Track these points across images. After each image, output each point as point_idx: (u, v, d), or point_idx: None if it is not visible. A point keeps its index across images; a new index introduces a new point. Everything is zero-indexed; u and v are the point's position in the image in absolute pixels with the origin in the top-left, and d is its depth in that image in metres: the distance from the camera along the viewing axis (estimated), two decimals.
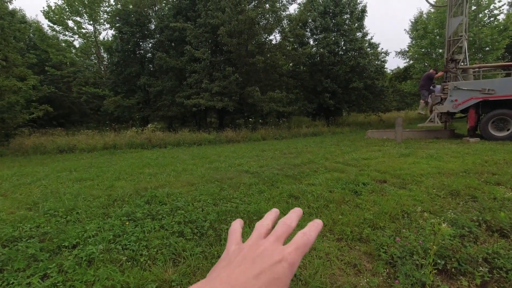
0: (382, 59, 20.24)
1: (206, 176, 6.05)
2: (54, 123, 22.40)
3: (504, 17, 18.17)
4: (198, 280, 0.92)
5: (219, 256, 2.59)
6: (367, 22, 63.72)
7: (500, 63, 14.50)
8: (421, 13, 20.90)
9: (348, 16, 18.50)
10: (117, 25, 20.43)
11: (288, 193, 4.47)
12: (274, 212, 0.53)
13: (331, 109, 19.16)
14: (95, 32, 23.61)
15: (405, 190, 4.48)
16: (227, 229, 3.28)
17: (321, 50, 18.53)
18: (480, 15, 17.20)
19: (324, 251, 2.77)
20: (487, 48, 17.46)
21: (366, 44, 19.37)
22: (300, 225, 2.33)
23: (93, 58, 25.12)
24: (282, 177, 5.61)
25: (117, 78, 21.10)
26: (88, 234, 3.20)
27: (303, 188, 4.70)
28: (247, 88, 16.83)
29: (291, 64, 21.07)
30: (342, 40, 18.01)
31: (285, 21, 18.13)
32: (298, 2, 22.11)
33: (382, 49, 20.35)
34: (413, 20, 22.00)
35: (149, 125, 16.34)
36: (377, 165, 6.31)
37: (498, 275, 2.31)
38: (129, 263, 2.67)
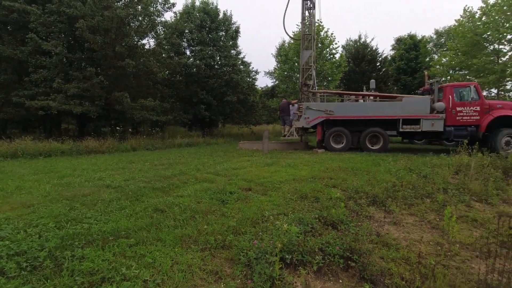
0: (253, 77, 22.45)
1: (51, 195, 4.95)
2: None
3: (339, 57, 23.57)
4: None
5: None
6: (241, 42, 69.51)
7: (337, 91, 18.52)
8: (284, 42, 24.49)
9: (223, 33, 19.68)
10: None
11: (154, 207, 4.17)
12: None
13: (206, 120, 19.64)
14: None
15: (266, 196, 4.95)
16: (73, 255, 2.73)
17: (198, 62, 18.91)
18: (324, 51, 21.66)
19: (187, 263, 2.68)
20: (329, 78, 22.14)
21: (239, 62, 21.05)
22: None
23: None
24: (149, 190, 5.22)
25: None
26: None
27: (171, 200, 4.50)
28: (115, 93, 15.12)
29: (167, 72, 20.44)
30: (218, 55, 18.97)
31: (159, 27, 17.50)
32: (174, 10, 21.90)
33: (253, 68, 22.51)
34: (278, 47, 25.51)
35: None
36: (245, 174, 6.77)
37: (329, 260, 2.81)
38: None
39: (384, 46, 38.93)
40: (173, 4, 17.43)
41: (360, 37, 30.25)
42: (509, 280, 3.22)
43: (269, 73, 26.02)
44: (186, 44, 20.07)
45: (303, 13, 13.54)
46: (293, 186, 5.61)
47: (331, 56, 22.36)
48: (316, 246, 2.96)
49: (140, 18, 16.45)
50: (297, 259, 2.76)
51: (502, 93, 18.59)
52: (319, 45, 20.84)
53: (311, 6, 13.37)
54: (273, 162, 8.91)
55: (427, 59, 26.53)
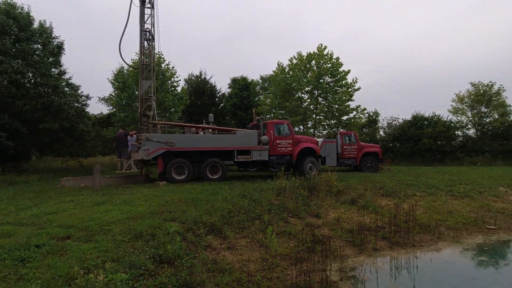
0: (83, 102, 19.42)
1: None
2: None
3: (180, 89, 24.33)
4: None
5: None
6: (68, 61, 59.85)
7: (178, 123, 18.79)
8: (123, 67, 22.83)
9: (39, 46, 16.18)
10: None
11: None
12: None
13: (10, 152, 14.92)
14: None
15: (91, 243, 4.17)
16: None
17: None
18: (166, 83, 21.78)
19: None
20: (172, 110, 22.25)
21: (64, 83, 17.78)
22: None
23: None
24: None
25: None
26: None
27: None
28: None
29: None
30: (31, 71, 15.22)
31: None
32: None
33: (83, 92, 19.45)
34: (115, 72, 23.40)
35: None
36: (64, 219, 5.50)
37: None
38: None
39: (222, 84, 43.62)
40: None
41: (201, 74, 32.65)
42: (309, 278, 4.03)
43: (105, 100, 23.32)
44: None
45: (141, 43, 13.22)
46: (126, 226, 5.01)
47: (173, 88, 22.74)
48: None
49: None
50: None
51: (305, 130, 24.46)
52: (160, 76, 20.81)
53: (150, 37, 13.30)
54: (105, 200, 7.76)
55: (256, 98, 31.63)
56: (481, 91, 25.54)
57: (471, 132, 26.28)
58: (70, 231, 4.66)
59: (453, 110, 27.20)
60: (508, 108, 25.03)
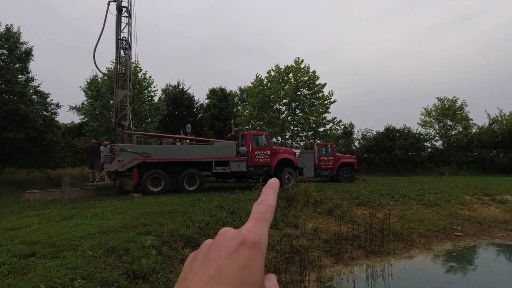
0: (53, 111, 18.50)
1: None
2: None
3: (157, 99, 23.92)
4: None
5: None
6: (36, 67, 57.20)
7: (155, 133, 18.38)
8: (97, 76, 22.12)
9: (5, 52, 15.32)
10: None
11: None
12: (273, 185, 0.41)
13: None
14: None
15: (58, 260, 3.91)
16: None
17: None
18: (142, 93, 21.33)
19: None
20: (148, 120, 21.76)
21: (31, 91, 16.87)
22: None
23: None
24: None
25: None
26: None
27: None
28: None
29: None
30: None
31: None
32: None
33: (52, 100, 18.53)
34: (88, 80, 22.60)
35: None
36: (27, 235, 5.13)
37: None
38: None
39: (200, 95, 43.18)
40: None
41: (179, 84, 32.31)
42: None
43: (76, 108, 22.36)
44: None
45: (117, 51, 12.93)
46: (98, 241, 4.76)
47: (150, 98, 22.32)
48: None
49: None
50: None
51: (283, 141, 24.75)
52: (137, 86, 20.39)
53: (127, 46, 13.06)
54: (74, 214, 7.35)
55: (235, 109, 31.67)
56: (446, 106, 27.23)
57: (439, 143, 27.82)
58: (34, 248, 4.34)
59: (422, 123, 28.71)
60: (470, 122, 26.87)
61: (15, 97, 15.51)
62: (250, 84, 25.45)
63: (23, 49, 16.59)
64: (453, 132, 27.23)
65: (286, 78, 23.08)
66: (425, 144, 26.85)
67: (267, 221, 0.35)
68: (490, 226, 8.98)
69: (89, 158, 12.51)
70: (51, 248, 4.39)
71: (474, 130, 26.41)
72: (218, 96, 31.95)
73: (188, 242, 5.10)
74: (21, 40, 16.50)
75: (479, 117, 45.81)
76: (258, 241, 0.33)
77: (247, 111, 25.23)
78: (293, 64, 22.97)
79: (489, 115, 26.44)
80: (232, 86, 65.31)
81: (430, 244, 7.49)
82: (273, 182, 0.42)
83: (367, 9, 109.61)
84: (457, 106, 27.09)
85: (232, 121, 19.10)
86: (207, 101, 33.32)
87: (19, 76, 16.43)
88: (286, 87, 22.67)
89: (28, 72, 17.26)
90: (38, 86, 17.97)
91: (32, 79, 17.49)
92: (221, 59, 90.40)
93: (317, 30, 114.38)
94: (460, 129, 26.85)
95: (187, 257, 0.39)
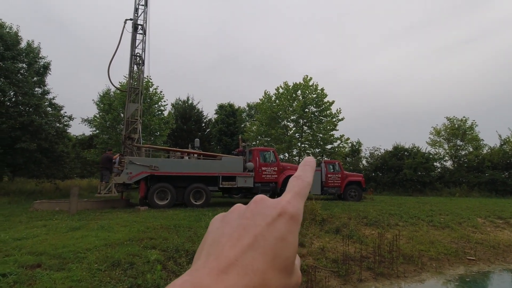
0: (65, 123, 18.96)
1: None
2: None
3: (167, 114, 24.33)
4: None
5: None
6: (52, 81, 59.16)
7: (163, 147, 18.56)
8: (109, 89, 22.70)
9: (24, 66, 15.96)
10: None
11: None
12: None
13: None
14: None
15: (63, 272, 3.91)
16: None
17: None
18: (152, 107, 21.76)
19: None
20: (157, 133, 22.05)
21: (47, 103, 17.39)
22: None
23: None
24: None
25: None
26: None
27: None
28: None
29: None
30: (13, 90, 14.81)
31: None
32: None
33: (66, 112, 19.05)
34: (101, 94, 23.19)
35: None
36: (34, 245, 5.15)
37: None
38: None
39: (209, 110, 43.94)
40: None
41: (188, 99, 32.89)
42: None
43: (88, 121, 22.85)
44: None
45: (131, 66, 13.34)
46: (103, 253, 4.75)
47: (160, 112, 22.71)
48: None
49: None
50: None
51: (290, 157, 24.67)
52: (148, 100, 20.82)
53: (141, 62, 13.47)
54: (81, 225, 7.37)
55: (242, 125, 31.91)
56: (456, 125, 26.92)
57: (449, 163, 27.31)
58: (41, 259, 4.35)
59: (431, 142, 28.34)
60: (481, 142, 26.39)
61: (30, 109, 15.99)
62: (259, 100, 25.73)
63: (42, 63, 17.25)
64: (463, 153, 26.74)
65: (294, 95, 23.29)
66: (435, 164, 26.39)
67: (304, 196, 0.35)
68: (505, 251, 8.65)
69: (100, 169, 12.69)
70: (57, 259, 4.39)
71: (485, 151, 25.89)
72: (227, 111, 32.33)
73: (193, 258, 5.03)
74: (40, 55, 17.18)
75: (489, 138, 45.06)
76: (296, 214, 0.31)
77: (254, 127, 25.37)
78: (302, 81, 23.22)
79: (500, 136, 25.97)
80: (240, 102, 66.11)
81: (441, 268, 7.23)
82: (311, 160, 0.41)
83: (372, 35, 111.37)
84: (467, 126, 26.76)
85: (239, 137, 19.21)
86: (216, 116, 33.71)
87: (36, 89, 17.00)
88: (294, 104, 22.83)
89: (45, 85, 17.86)
90: (54, 98, 18.54)
91: (48, 92, 18.08)
92: (230, 76, 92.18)
93: (324, 52, 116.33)
94: (471, 150, 26.36)
95: (213, 218, 0.37)
